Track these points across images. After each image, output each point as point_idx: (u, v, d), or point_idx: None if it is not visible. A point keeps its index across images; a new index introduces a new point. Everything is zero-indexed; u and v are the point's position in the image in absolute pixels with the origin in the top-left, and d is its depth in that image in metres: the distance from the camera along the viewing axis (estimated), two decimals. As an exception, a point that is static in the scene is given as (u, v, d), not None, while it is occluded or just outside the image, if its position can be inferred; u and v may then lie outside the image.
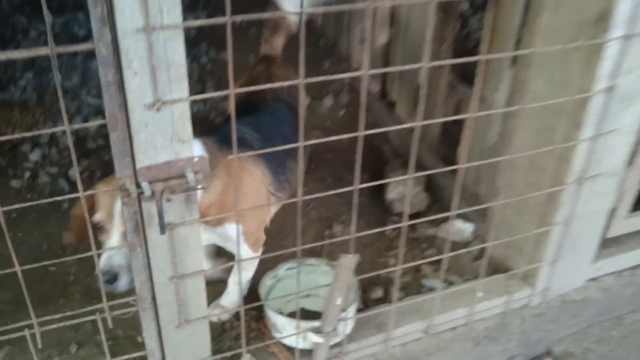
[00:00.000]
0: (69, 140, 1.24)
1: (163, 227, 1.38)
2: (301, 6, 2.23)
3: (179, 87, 1.27)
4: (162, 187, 1.34)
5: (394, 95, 3.45)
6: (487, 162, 1.88)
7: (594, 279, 2.41)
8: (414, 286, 2.38)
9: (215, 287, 2.20)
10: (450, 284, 2.34)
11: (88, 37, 4.27)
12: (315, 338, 1.86)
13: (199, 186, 1.39)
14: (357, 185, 1.55)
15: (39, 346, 1.48)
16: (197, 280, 1.61)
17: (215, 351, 1.87)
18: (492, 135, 2.55)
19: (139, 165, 1.32)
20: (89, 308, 1.51)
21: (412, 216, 2.71)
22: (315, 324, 1.87)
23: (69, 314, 1.51)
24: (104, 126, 1.24)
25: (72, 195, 1.34)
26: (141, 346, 1.78)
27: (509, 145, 2.22)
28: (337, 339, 1.94)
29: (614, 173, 2.06)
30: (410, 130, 1.52)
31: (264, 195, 2.07)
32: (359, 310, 2.10)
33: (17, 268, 1.36)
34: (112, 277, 1.70)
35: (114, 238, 1.75)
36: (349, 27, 4.04)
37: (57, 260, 1.44)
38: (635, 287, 2.48)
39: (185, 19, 1.21)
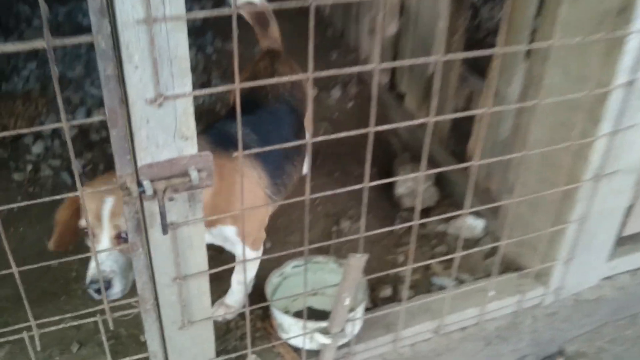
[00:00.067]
0: (67, 138, 1.18)
1: (165, 227, 1.33)
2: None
3: (182, 82, 1.21)
4: (164, 185, 1.29)
5: (403, 87, 3.38)
6: (501, 159, 1.81)
7: (608, 277, 2.35)
8: (423, 284, 2.33)
9: (219, 285, 2.15)
10: (460, 282, 2.29)
11: (92, 26, 4.21)
12: (323, 339, 1.81)
13: (203, 185, 1.33)
14: (367, 183, 1.50)
15: (38, 348, 1.44)
16: (200, 281, 1.56)
17: (219, 352, 1.83)
18: (504, 130, 2.48)
19: (140, 163, 1.27)
20: (90, 310, 1.46)
21: (422, 211, 2.66)
22: (323, 324, 1.82)
23: (68, 315, 1.46)
24: (107, 119, 1.18)
25: (70, 194, 1.29)
26: (144, 345, 1.73)
27: (523, 140, 2.16)
28: (344, 340, 1.89)
29: (633, 170, 1.99)
30: (420, 123, 1.45)
31: (260, 197, 2.00)
32: (368, 310, 2.05)
33: (14, 269, 1.31)
34: (105, 284, 1.63)
35: (103, 242, 1.67)
36: (357, 17, 3.96)
37: (57, 260, 1.39)
38: (651, 285, 2.42)
39: (190, 9, 1.15)
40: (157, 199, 1.29)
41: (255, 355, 1.89)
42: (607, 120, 1.82)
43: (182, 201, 1.37)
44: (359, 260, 1.67)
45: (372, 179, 1.47)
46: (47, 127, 1.24)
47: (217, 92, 3.56)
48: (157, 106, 1.22)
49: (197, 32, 4.25)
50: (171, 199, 1.34)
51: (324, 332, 1.81)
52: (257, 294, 2.10)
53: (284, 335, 1.96)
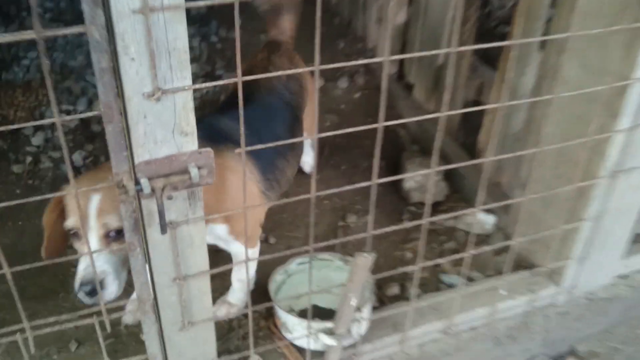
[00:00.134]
0: (60, 134, 1.12)
1: (164, 227, 1.27)
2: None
3: (181, 75, 1.15)
4: (162, 183, 1.22)
5: (411, 77, 3.30)
6: (514, 155, 1.74)
7: (623, 275, 2.29)
8: (432, 282, 2.27)
9: (221, 283, 2.09)
10: (470, 280, 2.22)
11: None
12: (328, 340, 1.76)
13: (204, 182, 1.27)
14: (375, 180, 1.43)
15: (32, 351, 1.38)
16: (201, 281, 1.50)
17: (221, 352, 1.77)
18: (517, 122, 2.40)
19: (137, 160, 1.21)
20: (86, 311, 1.40)
21: (431, 206, 2.59)
22: (328, 324, 1.76)
23: (64, 316, 1.40)
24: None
25: (65, 192, 1.23)
26: (144, 344, 1.67)
27: (536, 133, 2.08)
28: (350, 341, 1.83)
29: (651, 166, 1.92)
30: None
31: (253, 193, 1.94)
32: (374, 308, 1.98)
33: (6, 270, 1.25)
34: (97, 286, 1.51)
35: (92, 242, 1.57)
36: (364, 5, 3.87)
37: (58, 261, 1.33)
38: (667, 284, 2.35)
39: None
40: (155, 198, 1.23)
41: (258, 355, 1.84)
42: (627, 115, 1.74)
43: (181, 199, 1.31)
44: (366, 259, 1.61)
45: (379, 173, 1.40)
46: (40, 122, 1.17)
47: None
48: (155, 100, 1.15)
49: (201, 20, 4.17)
50: (170, 198, 1.28)
51: (329, 332, 1.76)
52: (260, 291, 2.05)
53: (287, 335, 1.90)
